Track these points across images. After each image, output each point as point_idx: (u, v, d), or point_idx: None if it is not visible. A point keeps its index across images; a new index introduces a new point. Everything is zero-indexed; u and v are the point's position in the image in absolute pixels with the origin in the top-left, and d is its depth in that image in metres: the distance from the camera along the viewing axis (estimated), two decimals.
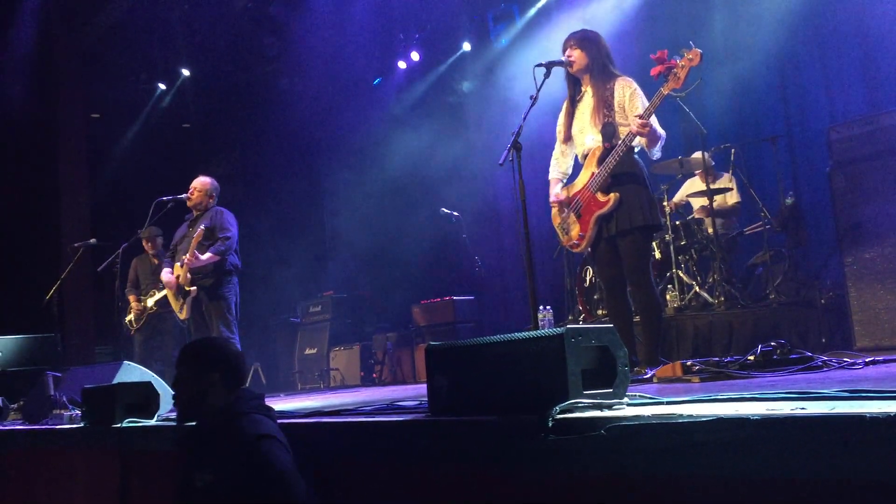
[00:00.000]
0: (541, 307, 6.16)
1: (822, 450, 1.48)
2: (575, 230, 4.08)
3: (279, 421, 2.80)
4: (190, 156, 11.42)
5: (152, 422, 3.68)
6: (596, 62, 4.02)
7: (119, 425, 3.63)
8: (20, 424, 4.92)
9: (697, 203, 6.51)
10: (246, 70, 10.88)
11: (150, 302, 7.20)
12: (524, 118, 3.73)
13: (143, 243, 7.43)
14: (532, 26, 8.91)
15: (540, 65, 3.83)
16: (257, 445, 2.53)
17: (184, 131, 11.56)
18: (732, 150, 6.14)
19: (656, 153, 3.96)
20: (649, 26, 7.52)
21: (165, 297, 7.06)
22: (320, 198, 11.34)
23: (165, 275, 6.06)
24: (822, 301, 5.17)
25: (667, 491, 1.74)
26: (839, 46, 6.57)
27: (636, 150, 3.99)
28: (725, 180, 6.28)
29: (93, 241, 7.71)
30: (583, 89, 4.11)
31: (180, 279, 5.87)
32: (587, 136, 4.03)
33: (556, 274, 8.45)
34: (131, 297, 7.33)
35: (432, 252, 9.38)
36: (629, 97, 3.93)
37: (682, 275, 5.83)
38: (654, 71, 3.79)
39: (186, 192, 6.23)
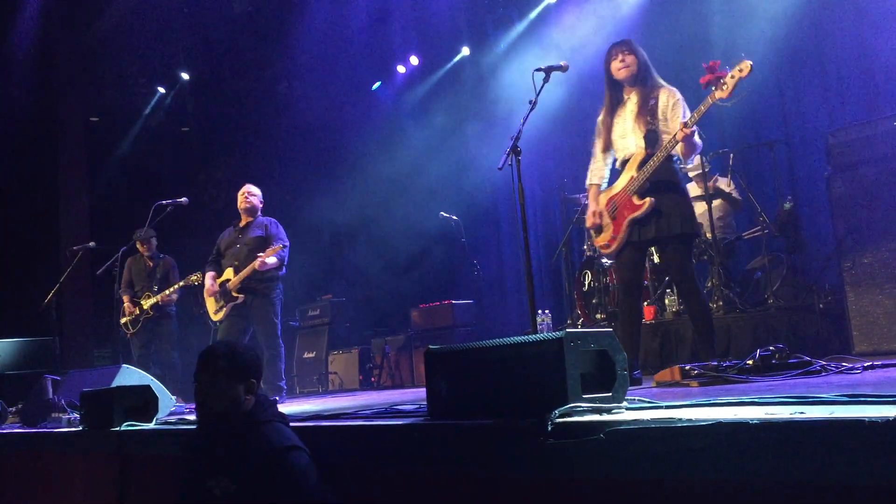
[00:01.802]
0: (539, 311, 6.16)
1: (822, 454, 1.49)
2: (609, 231, 4.13)
3: None
4: (189, 159, 11.42)
5: (151, 425, 3.68)
6: (645, 68, 4.06)
7: (118, 429, 3.63)
8: (18, 428, 4.91)
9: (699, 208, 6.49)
10: (245, 74, 10.89)
11: (146, 305, 7.20)
12: (523, 123, 3.75)
13: (138, 245, 7.45)
14: (531, 31, 8.93)
15: (539, 69, 3.85)
16: (287, 457, 2.48)
17: (183, 135, 11.56)
18: (731, 155, 6.13)
19: (690, 162, 4.04)
20: (647, 32, 7.52)
21: (159, 300, 7.08)
22: (319, 201, 11.33)
23: (209, 280, 6.14)
24: (821, 305, 5.17)
25: (666, 495, 1.74)
26: (837, 51, 6.57)
27: (674, 158, 4.04)
28: (723, 183, 6.27)
29: (91, 244, 7.72)
30: (625, 96, 4.13)
31: (230, 283, 5.94)
32: (629, 140, 4.07)
33: (554, 278, 8.47)
34: (125, 298, 7.33)
35: (431, 256, 9.38)
36: (672, 106, 3.98)
37: None
38: (703, 80, 3.82)
39: (185, 196, 6.33)
